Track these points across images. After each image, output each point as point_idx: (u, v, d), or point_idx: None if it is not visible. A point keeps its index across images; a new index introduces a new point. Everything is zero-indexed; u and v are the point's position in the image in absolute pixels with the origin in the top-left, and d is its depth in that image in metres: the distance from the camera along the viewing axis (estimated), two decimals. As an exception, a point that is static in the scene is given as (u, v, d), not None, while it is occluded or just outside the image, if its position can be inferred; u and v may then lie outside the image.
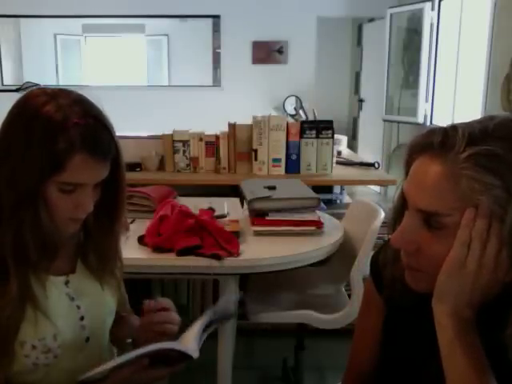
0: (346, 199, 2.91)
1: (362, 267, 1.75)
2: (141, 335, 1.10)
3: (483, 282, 0.71)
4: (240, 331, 2.29)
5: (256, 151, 2.67)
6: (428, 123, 4.53)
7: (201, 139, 2.73)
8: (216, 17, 5.68)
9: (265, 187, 1.94)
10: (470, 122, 0.74)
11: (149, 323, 1.07)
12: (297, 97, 4.91)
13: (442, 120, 4.26)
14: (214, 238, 1.66)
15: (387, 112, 5.09)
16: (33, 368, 0.97)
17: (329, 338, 2.30)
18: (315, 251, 1.72)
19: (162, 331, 1.06)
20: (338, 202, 2.86)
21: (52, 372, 1.00)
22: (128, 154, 3.15)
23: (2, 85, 5.76)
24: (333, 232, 1.87)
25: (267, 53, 5.74)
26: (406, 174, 0.78)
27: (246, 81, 5.73)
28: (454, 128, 0.72)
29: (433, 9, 4.38)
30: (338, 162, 2.95)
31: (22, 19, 5.76)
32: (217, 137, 2.73)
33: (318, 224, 1.83)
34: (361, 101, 6.38)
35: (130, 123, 4.37)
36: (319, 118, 3.26)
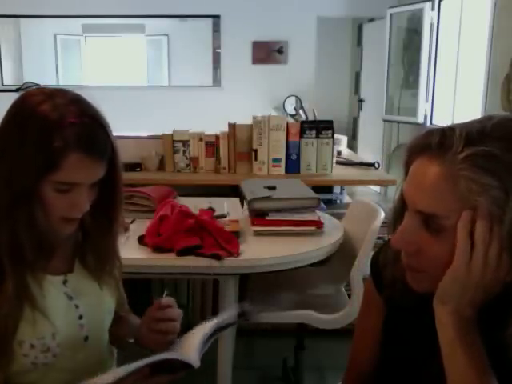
0: (346, 199, 2.91)
1: (362, 267, 1.75)
2: (143, 335, 1.09)
3: (486, 282, 0.71)
4: (240, 331, 2.30)
5: (256, 151, 2.67)
6: (428, 123, 4.53)
7: (201, 139, 2.73)
8: (216, 17, 5.68)
9: (265, 187, 1.94)
10: (468, 123, 0.74)
11: (151, 321, 1.07)
12: (297, 97, 4.91)
13: (442, 120, 4.26)
14: (214, 238, 1.66)
15: (387, 112, 5.09)
16: (32, 367, 0.97)
17: (329, 338, 2.30)
18: (315, 251, 1.72)
19: (165, 329, 1.05)
20: (338, 202, 2.86)
21: (51, 371, 1.00)
22: (128, 154, 3.15)
23: (2, 85, 5.76)
24: (333, 232, 1.87)
25: (267, 53, 5.74)
26: (406, 174, 0.78)
27: (246, 81, 5.73)
28: (451, 129, 0.72)
29: (433, 9, 4.38)
30: (338, 162, 2.95)
31: (22, 19, 5.76)
32: (217, 137, 2.72)
33: (318, 224, 1.83)
34: (361, 101, 6.38)
35: (130, 123, 4.39)
36: (319, 117, 3.26)
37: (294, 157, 2.69)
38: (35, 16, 5.61)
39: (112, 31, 6.00)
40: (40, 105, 0.91)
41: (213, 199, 2.16)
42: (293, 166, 2.69)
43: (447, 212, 0.71)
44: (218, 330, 1.05)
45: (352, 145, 5.86)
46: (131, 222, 1.91)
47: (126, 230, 1.82)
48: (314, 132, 2.67)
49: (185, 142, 2.73)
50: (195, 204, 1.96)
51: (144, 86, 6.04)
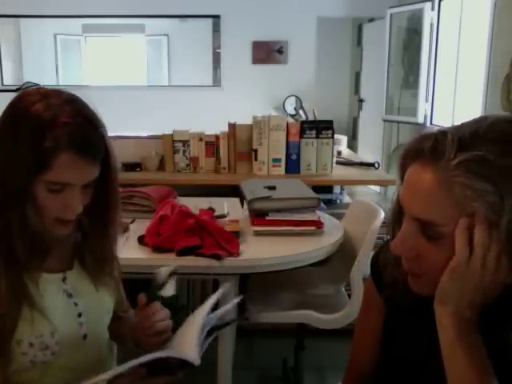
0: (346, 199, 2.91)
1: (362, 267, 1.75)
2: (142, 340, 1.09)
3: (485, 285, 0.71)
4: (240, 331, 2.30)
5: (256, 151, 2.67)
6: (428, 123, 4.53)
7: (201, 139, 2.73)
8: (216, 17, 5.68)
9: (265, 187, 1.94)
10: (460, 126, 0.73)
11: (143, 328, 1.06)
12: (297, 97, 4.91)
13: (442, 120, 4.26)
14: (214, 238, 1.66)
15: (387, 112, 5.09)
16: (30, 366, 0.97)
17: (329, 338, 2.30)
18: (315, 251, 1.72)
19: (159, 330, 1.05)
20: (338, 202, 2.86)
21: (50, 370, 1.00)
22: (128, 154, 3.16)
23: (2, 85, 5.76)
24: (333, 232, 1.87)
25: (267, 53, 5.74)
26: (402, 179, 0.77)
27: (246, 81, 5.73)
28: (443, 133, 0.72)
29: (433, 9, 4.38)
30: (338, 162, 2.95)
31: (22, 19, 5.76)
32: (217, 137, 2.73)
33: (318, 224, 1.83)
34: (361, 101, 6.37)
35: (130, 123, 4.40)
36: (319, 117, 3.26)
37: (293, 157, 2.69)
38: (35, 16, 5.61)
39: (112, 31, 6.00)
40: (34, 104, 0.91)
41: (213, 199, 2.16)
42: (293, 165, 2.69)
43: (444, 219, 0.71)
44: (217, 328, 1.05)
45: (352, 145, 5.86)
46: (131, 222, 1.91)
47: (126, 229, 1.82)
48: (314, 132, 2.67)
49: (185, 142, 2.73)
50: (195, 204, 1.96)
51: (144, 86, 6.04)
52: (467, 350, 0.71)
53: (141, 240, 1.70)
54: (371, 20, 5.93)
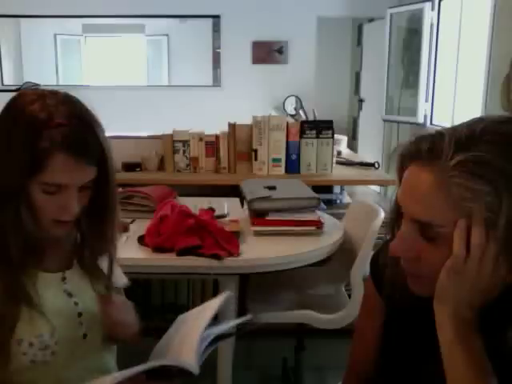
0: (346, 199, 2.91)
1: (362, 267, 1.75)
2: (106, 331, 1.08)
3: (483, 285, 0.71)
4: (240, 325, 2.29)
5: (256, 151, 2.67)
6: (428, 123, 4.53)
7: (201, 139, 2.73)
8: (216, 17, 5.68)
9: (265, 187, 1.94)
10: (457, 126, 0.73)
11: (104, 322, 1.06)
12: (297, 97, 4.92)
13: (442, 120, 4.26)
14: (214, 238, 1.66)
15: (387, 112, 5.09)
16: (30, 365, 0.97)
17: (329, 338, 2.30)
18: (315, 251, 1.72)
19: (118, 323, 1.04)
20: (338, 202, 2.86)
21: (50, 369, 1.00)
22: (128, 154, 3.15)
23: (2, 85, 5.76)
24: (333, 232, 1.87)
25: (267, 53, 5.74)
26: (399, 181, 0.77)
27: (246, 81, 5.73)
28: (441, 134, 0.72)
29: (433, 9, 4.38)
30: (338, 162, 2.95)
31: (22, 19, 5.76)
32: (217, 137, 2.73)
33: (318, 224, 1.83)
34: (361, 101, 6.37)
35: (130, 123, 4.40)
36: (319, 118, 3.27)
37: (293, 157, 2.69)
38: (35, 16, 5.61)
39: (112, 31, 6.00)
40: (30, 104, 0.91)
41: (213, 199, 2.16)
42: (293, 165, 2.69)
43: (442, 220, 0.71)
44: (218, 339, 1.05)
45: (352, 145, 5.85)
46: (131, 222, 1.91)
47: (126, 229, 1.82)
48: (314, 132, 2.67)
49: (185, 142, 2.73)
50: (195, 204, 1.97)
51: (144, 86, 6.04)
52: (466, 350, 0.71)
53: (141, 240, 1.70)
54: (371, 20, 5.93)
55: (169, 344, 1.04)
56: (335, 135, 2.74)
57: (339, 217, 2.11)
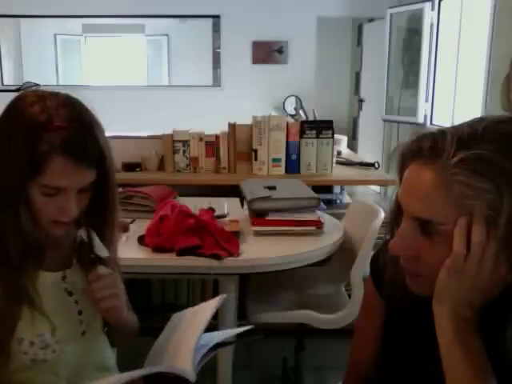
0: (346, 199, 2.91)
1: (362, 267, 1.75)
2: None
3: (482, 284, 0.71)
4: (240, 333, 2.29)
5: (256, 151, 2.67)
6: (428, 123, 4.53)
7: (201, 139, 2.73)
8: (216, 17, 5.69)
9: (265, 187, 1.94)
10: (459, 126, 0.73)
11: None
12: (297, 97, 4.92)
13: (442, 120, 4.26)
14: (214, 238, 1.66)
15: (387, 112, 5.09)
16: (31, 364, 0.97)
17: (329, 338, 2.30)
18: (315, 251, 1.72)
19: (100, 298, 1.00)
20: (338, 202, 2.86)
21: (51, 367, 1.00)
22: (128, 154, 3.15)
23: (2, 85, 5.76)
24: (333, 232, 1.87)
25: (267, 53, 5.74)
26: (400, 180, 0.78)
27: (246, 81, 5.73)
28: (443, 132, 0.72)
29: (433, 9, 4.38)
30: (338, 162, 2.95)
31: (22, 19, 5.76)
32: (217, 137, 2.73)
33: (318, 224, 1.83)
34: (361, 101, 6.37)
35: (130, 123, 4.40)
36: (319, 118, 3.27)
37: (293, 157, 2.69)
38: (35, 16, 5.61)
39: (112, 31, 6.00)
40: (30, 106, 0.91)
41: (213, 199, 2.16)
42: (293, 165, 2.69)
43: (443, 218, 0.71)
44: (217, 347, 1.05)
45: (352, 145, 5.85)
46: (131, 222, 1.91)
47: (126, 229, 1.82)
48: (314, 132, 2.67)
49: (185, 142, 2.73)
50: (195, 204, 1.97)
51: (144, 86, 6.04)
52: (466, 350, 0.71)
53: (141, 240, 1.70)
54: (371, 20, 5.93)
55: (166, 345, 1.04)
56: (335, 135, 2.74)
57: (339, 217, 2.11)
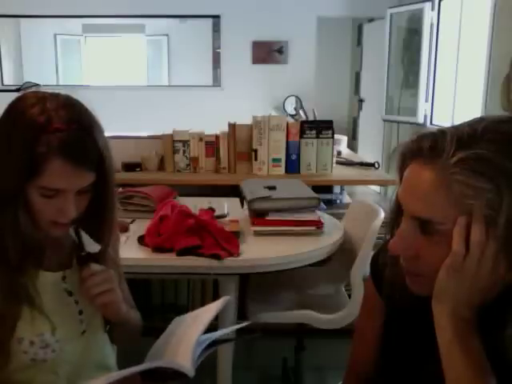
0: (346, 199, 2.91)
1: (362, 267, 1.75)
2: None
3: (482, 284, 0.71)
4: (240, 331, 2.29)
5: (256, 151, 2.67)
6: (428, 123, 4.53)
7: (201, 139, 2.73)
8: (216, 17, 5.69)
9: (265, 187, 1.94)
10: (459, 125, 0.73)
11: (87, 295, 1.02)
12: (297, 97, 4.91)
13: (442, 120, 4.26)
14: (214, 238, 1.66)
15: (387, 112, 5.09)
16: (30, 364, 0.98)
17: (329, 338, 2.30)
18: (315, 251, 1.72)
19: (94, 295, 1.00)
20: (338, 201, 2.86)
21: (51, 367, 1.01)
22: (128, 154, 3.15)
23: (2, 85, 5.76)
24: (333, 232, 1.87)
25: (267, 53, 5.74)
26: (400, 179, 0.78)
27: (246, 81, 5.73)
28: (442, 132, 0.72)
29: (433, 9, 4.38)
30: (338, 162, 2.95)
31: (22, 19, 5.76)
32: (217, 137, 2.73)
33: (318, 224, 1.83)
34: (361, 101, 6.37)
35: (130, 123, 4.40)
36: (319, 118, 3.27)
37: (293, 157, 2.69)
38: (35, 16, 5.61)
39: (112, 31, 6.00)
40: (30, 108, 0.91)
41: (213, 199, 2.16)
42: (293, 165, 2.69)
43: (443, 218, 0.71)
44: (216, 343, 1.05)
45: (352, 145, 5.85)
46: (131, 222, 1.91)
47: (126, 229, 1.82)
48: (314, 132, 2.67)
49: (185, 142, 2.73)
50: (195, 204, 1.97)
51: (144, 86, 6.04)
52: (465, 350, 0.71)
53: (141, 240, 1.70)
54: (371, 20, 5.93)
55: (165, 345, 1.04)
56: (335, 135, 2.74)
57: (339, 217, 2.11)
